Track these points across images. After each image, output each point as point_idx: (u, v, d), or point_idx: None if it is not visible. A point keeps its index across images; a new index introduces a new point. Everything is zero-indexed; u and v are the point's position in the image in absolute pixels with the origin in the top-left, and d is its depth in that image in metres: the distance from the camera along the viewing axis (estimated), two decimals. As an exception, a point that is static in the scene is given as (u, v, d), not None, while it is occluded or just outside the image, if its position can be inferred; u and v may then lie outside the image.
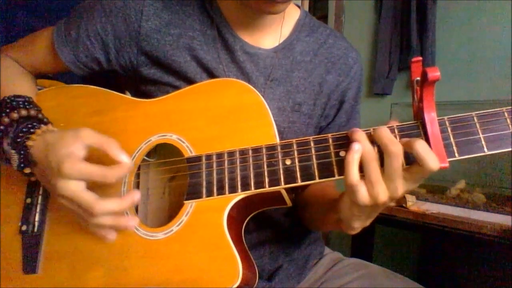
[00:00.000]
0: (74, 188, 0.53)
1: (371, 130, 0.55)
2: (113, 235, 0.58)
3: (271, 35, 0.74)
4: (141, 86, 0.74)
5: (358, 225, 0.57)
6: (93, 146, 0.55)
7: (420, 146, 0.48)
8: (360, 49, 0.84)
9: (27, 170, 0.60)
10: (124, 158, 0.54)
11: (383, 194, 0.50)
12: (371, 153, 0.50)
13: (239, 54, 0.71)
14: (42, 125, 0.61)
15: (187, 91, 0.67)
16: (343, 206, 0.55)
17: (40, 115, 0.64)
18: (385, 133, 0.50)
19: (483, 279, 1.58)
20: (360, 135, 0.51)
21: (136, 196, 0.55)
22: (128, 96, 0.72)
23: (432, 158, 0.47)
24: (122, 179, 0.53)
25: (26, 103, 0.64)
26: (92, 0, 0.72)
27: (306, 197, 0.78)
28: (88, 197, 0.53)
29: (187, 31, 0.71)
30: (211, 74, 0.71)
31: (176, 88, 0.69)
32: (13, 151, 0.59)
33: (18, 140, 0.59)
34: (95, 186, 0.55)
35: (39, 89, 0.76)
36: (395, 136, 0.53)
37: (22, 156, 0.59)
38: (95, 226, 0.56)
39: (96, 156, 0.55)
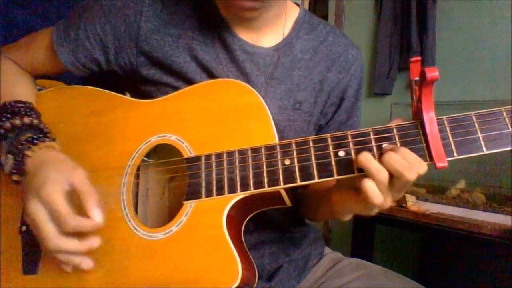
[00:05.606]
0: (40, 216, 0.52)
1: (370, 130, 0.55)
2: (70, 268, 0.58)
3: (271, 33, 0.74)
4: (140, 87, 0.74)
5: (349, 218, 0.62)
6: (76, 189, 0.54)
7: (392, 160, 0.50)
8: (360, 49, 0.83)
9: (16, 177, 0.59)
10: (96, 216, 0.53)
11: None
12: (383, 174, 0.51)
13: (238, 53, 0.71)
14: (47, 140, 0.61)
15: (186, 92, 0.67)
16: (339, 205, 0.59)
17: (42, 125, 0.64)
18: (395, 159, 0.50)
19: (483, 279, 1.57)
20: (366, 157, 0.51)
21: (95, 243, 0.54)
22: (127, 96, 0.73)
23: (407, 170, 0.50)
24: (84, 230, 0.53)
25: (27, 109, 0.64)
26: (91, 0, 0.72)
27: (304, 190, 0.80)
28: (48, 230, 0.53)
29: (186, 31, 0.71)
30: (211, 74, 0.71)
31: (176, 88, 0.69)
32: (10, 156, 0.59)
33: (19, 146, 0.59)
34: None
35: (39, 89, 0.76)
36: (394, 136, 0.54)
37: (17, 162, 0.59)
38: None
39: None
